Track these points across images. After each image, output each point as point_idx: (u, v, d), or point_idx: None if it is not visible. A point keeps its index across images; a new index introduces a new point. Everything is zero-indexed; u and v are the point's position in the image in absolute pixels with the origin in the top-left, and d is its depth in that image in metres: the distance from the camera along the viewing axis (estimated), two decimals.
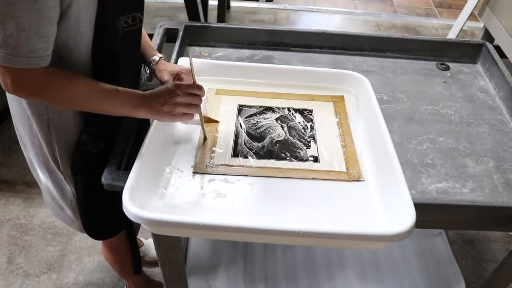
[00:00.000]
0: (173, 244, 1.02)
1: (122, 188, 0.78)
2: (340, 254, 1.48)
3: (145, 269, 1.57)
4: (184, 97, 0.86)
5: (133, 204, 0.75)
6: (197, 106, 0.89)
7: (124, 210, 0.75)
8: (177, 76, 0.99)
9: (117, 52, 0.88)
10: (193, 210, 0.84)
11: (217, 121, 1.04)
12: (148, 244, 1.60)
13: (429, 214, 0.91)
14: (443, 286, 1.42)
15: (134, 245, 1.18)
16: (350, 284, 1.40)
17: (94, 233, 1.11)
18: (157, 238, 1.01)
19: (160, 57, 1.04)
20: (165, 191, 0.86)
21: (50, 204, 1.10)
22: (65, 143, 0.92)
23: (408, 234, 0.74)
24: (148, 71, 1.06)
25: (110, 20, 0.83)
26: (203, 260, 1.44)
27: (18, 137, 1.00)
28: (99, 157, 0.93)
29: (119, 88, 0.85)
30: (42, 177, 1.02)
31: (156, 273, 1.58)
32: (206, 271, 1.41)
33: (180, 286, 1.17)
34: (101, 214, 1.05)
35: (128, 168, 0.83)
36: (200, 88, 0.89)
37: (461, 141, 1.09)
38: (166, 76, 0.99)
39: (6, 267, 1.58)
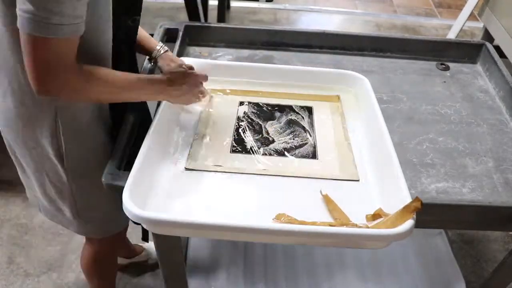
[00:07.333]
0: (173, 244, 1.02)
1: (122, 187, 0.78)
2: (340, 254, 1.48)
3: (151, 272, 1.58)
4: (197, 87, 0.99)
5: (133, 204, 0.74)
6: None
7: (124, 210, 0.75)
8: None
9: (119, 47, 0.91)
10: (193, 209, 0.84)
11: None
12: (150, 247, 1.60)
13: (429, 214, 0.91)
14: (443, 286, 1.42)
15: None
16: (350, 284, 1.40)
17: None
18: (157, 238, 1.01)
19: (165, 50, 1.07)
20: (166, 191, 0.86)
21: (45, 209, 1.08)
22: (73, 134, 0.91)
23: (408, 234, 0.74)
24: (152, 62, 1.08)
25: (115, 18, 0.86)
26: (203, 260, 1.44)
27: (5, 143, 0.97)
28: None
29: (140, 76, 0.89)
30: (35, 181, 1.00)
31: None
32: (206, 271, 1.41)
33: (180, 286, 1.17)
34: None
35: (128, 168, 0.83)
36: (204, 78, 1.03)
37: (461, 141, 1.09)
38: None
39: (6, 267, 1.58)
